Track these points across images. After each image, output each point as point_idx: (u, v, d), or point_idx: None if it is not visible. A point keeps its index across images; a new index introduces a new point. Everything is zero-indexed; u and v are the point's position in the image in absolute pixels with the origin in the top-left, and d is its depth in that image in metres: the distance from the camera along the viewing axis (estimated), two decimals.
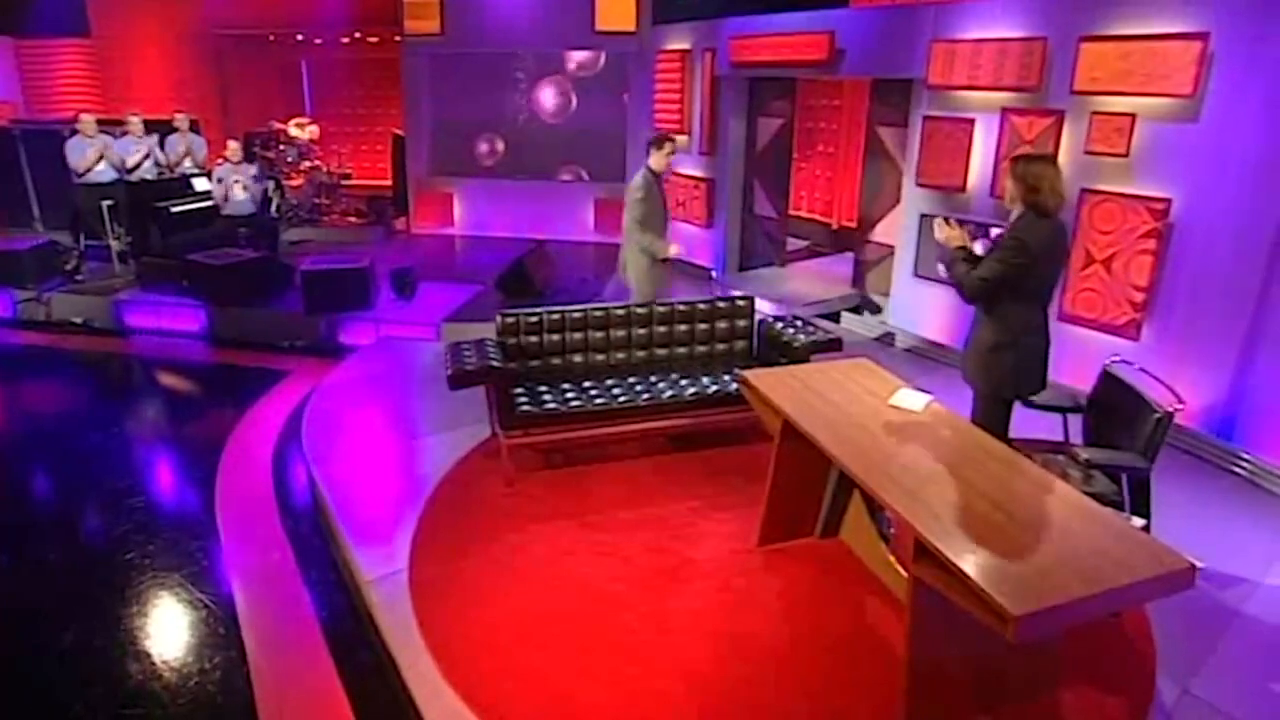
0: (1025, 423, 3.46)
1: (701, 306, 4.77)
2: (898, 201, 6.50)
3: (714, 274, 8.37)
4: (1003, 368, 3.26)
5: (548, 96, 9.70)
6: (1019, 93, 5.13)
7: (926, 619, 2.52)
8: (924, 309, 6.24)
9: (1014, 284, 3.14)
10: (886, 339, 6.43)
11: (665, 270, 5.12)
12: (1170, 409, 2.86)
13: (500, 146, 9.92)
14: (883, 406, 3.30)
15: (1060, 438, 3.51)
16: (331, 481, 4.16)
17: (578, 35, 9.00)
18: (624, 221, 5.09)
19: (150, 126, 8.39)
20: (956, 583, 2.26)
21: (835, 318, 6.89)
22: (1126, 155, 4.61)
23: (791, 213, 8.19)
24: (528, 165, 9.96)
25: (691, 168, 8.45)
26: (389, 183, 10.91)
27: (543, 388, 4.31)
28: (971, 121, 5.47)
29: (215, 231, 7.73)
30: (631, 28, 8.79)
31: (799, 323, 4.70)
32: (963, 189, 5.65)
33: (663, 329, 4.72)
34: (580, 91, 9.48)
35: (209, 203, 8.01)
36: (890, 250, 6.69)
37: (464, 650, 2.97)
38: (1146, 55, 4.38)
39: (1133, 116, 4.54)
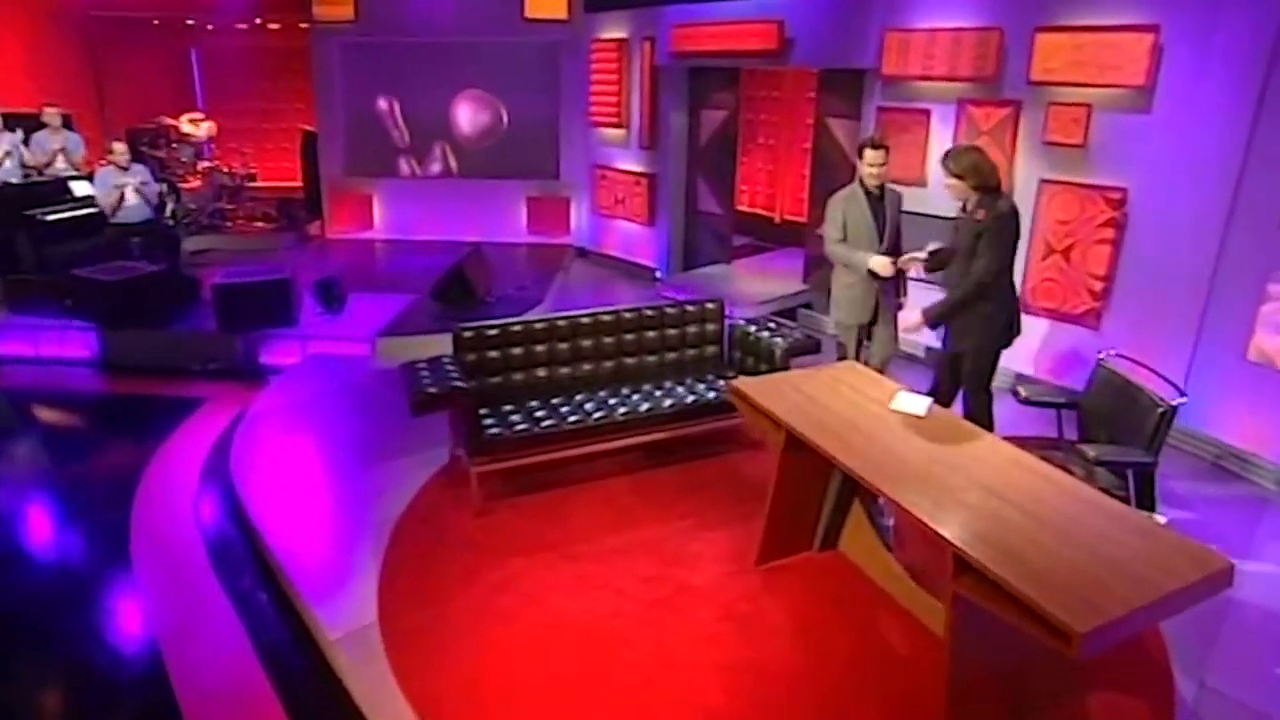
0: (1010, 418, 3.51)
1: (670, 311, 4.66)
2: None
3: (658, 275, 8.28)
4: (996, 327, 3.76)
5: (464, 116, 9.33)
6: (975, 83, 5.25)
7: (966, 635, 2.48)
8: None
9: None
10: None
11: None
12: (1174, 402, 2.93)
13: (434, 148, 9.48)
14: (884, 412, 3.27)
15: (1047, 433, 3.59)
16: (273, 525, 3.80)
17: (505, 24, 8.70)
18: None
19: (10, 121, 7.54)
20: (1004, 599, 2.22)
21: (791, 315, 6.91)
22: (1083, 145, 4.78)
23: (738, 208, 8.18)
24: (454, 163, 9.57)
25: (631, 163, 8.32)
26: (299, 184, 10.26)
27: (508, 407, 4.08)
28: (927, 113, 5.56)
29: (103, 242, 7.02)
30: (564, 15, 8.57)
31: (773, 324, 4.64)
32: (921, 181, 5.74)
33: (631, 337, 4.57)
34: (506, 89, 9.16)
35: (93, 209, 7.26)
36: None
37: (454, 708, 2.73)
38: (1100, 46, 4.54)
39: (1088, 107, 4.70)
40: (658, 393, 4.32)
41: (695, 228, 8.33)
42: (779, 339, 4.44)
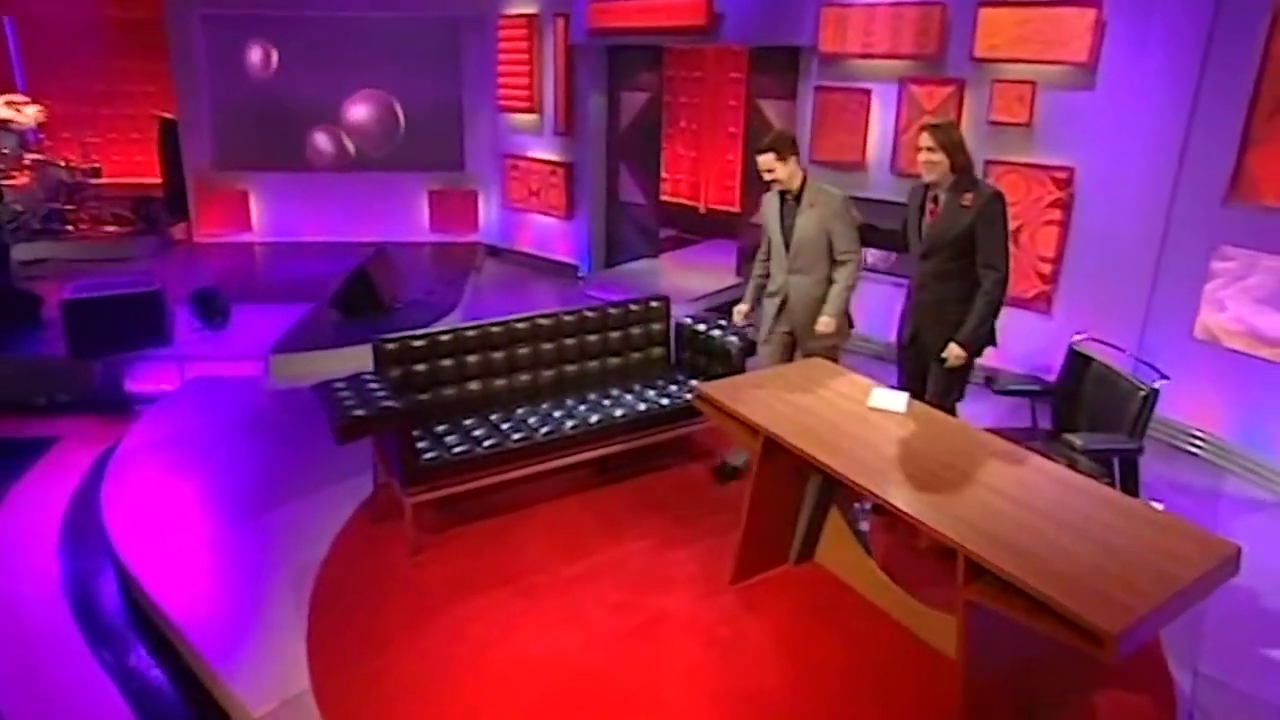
0: (973, 410, 3.61)
1: (612, 312, 4.57)
2: None
3: (581, 273, 8.17)
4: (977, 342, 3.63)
5: (354, 115, 8.93)
6: (917, 61, 5.42)
7: (978, 641, 2.51)
8: None
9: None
10: None
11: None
12: (1154, 385, 3.08)
13: (319, 137, 8.97)
14: (862, 410, 3.30)
15: (1016, 424, 3.72)
16: (165, 585, 3.45)
17: None
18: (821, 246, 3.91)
19: None
20: (1020, 602, 2.26)
21: (726, 312, 6.95)
22: (1029, 124, 5.02)
23: (664, 198, 8.17)
24: (344, 155, 9.11)
25: (545, 151, 8.18)
26: (158, 180, 9.50)
27: (441, 427, 3.88)
28: (868, 92, 5.71)
29: None
30: None
31: (723, 322, 4.63)
32: (861, 164, 5.88)
33: (571, 342, 4.46)
34: (401, 75, 8.79)
35: None
36: None
37: None
38: (1044, 22, 4.78)
39: (1033, 84, 4.94)
40: (606, 402, 4.22)
41: (618, 220, 8.27)
42: (733, 337, 4.42)
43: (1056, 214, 5.04)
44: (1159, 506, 2.66)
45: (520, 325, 4.31)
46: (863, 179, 5.96)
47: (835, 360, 3.91)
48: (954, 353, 3.53)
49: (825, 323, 3.85)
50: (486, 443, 3.74)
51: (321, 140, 8.99)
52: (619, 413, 4.10)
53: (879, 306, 6.15)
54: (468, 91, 8.73)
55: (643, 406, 4.17)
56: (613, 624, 3.22)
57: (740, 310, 4.21)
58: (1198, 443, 4.65)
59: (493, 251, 8.95)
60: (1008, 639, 2.66)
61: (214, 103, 8.74)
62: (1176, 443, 4.72)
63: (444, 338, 4.11)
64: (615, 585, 3.44)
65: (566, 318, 4.44)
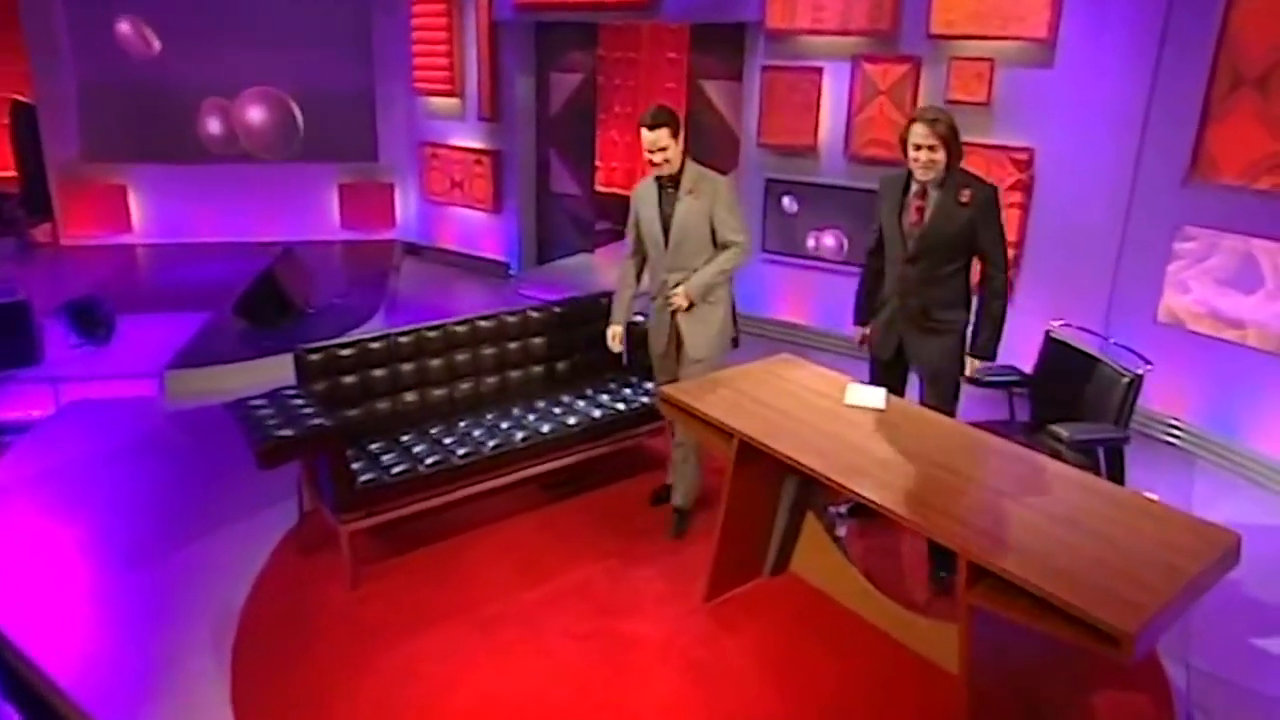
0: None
1: (558, 311, 4.48)
2: (733, 166, 6.67)
3: (512, 271, 8.03)
4: (965, 339, 3.53)
5: (248, 116, 8.56)
6: (871, 37, 5.50)
7: (981, 646, 2.54)
8: (774, 289, 6.50)
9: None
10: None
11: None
12: (1138, 371, 3.18)
13: (210, 123, 8.51)
14: (840, 408, 3.30)
15: (993, 417, 3.79)
16: (53, 646, 3.17)
17: None
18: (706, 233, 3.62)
19: None
20: (1025, 604, 2.28)
21: None
22: (988, 103, 5.15)
23: (600, 188, 8.10)
24: (239, 143, 8.69)
25: (469, 138, 8.01)
26: (13, 174, 8.87)
27: (376, 445, 3.72)
28: (819, 70, 5.77)
29: None
30: None
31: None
32: (813, 148, 5.94)
33: (515, 345, 4.36)
34: (307, 54, 8.45)
35: None
36: None
37: None
38: None
39: (991, 62, 5.07)
40: (557, 410, 4.12)
41: (550, 213, 8.18)
42: None
43: (1017, 196, 5.19)
44: (1153, 497, 2.73)
45: (459, 329, 4.18)
46: (815, 164, 6.02)
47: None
48: (975, 367, 3.47)
49: (681, 293, 3.54)
50: (429, 460, 3.60)
51: (213, 126, 8.54)
52: (572, 420, 4.01)
53: (836, 299, 6.22)
54: (380, 73, 8.47)
55: (597, 413, 4.09)
56: (581, 653, 3.14)
57: (614, 334, 3.85)
58: (1165, 430, 4.85)
59: (412, 250, 8.71)
60: (1010, 644, 2.69)
61: (80, 85, 8.21)
62: (1146, 430, 4.91)
63: (375, 345, 3.95)
64: (580, 610, 3.36)
65: (509, 319, 4.34)
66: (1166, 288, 4.77)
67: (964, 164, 3.42)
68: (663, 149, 3.49)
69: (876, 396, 3.36)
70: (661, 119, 3.47)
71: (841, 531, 3.69)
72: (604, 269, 7.76)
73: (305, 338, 5.66)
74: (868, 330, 3.78)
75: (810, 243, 6.15)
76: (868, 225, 5.73)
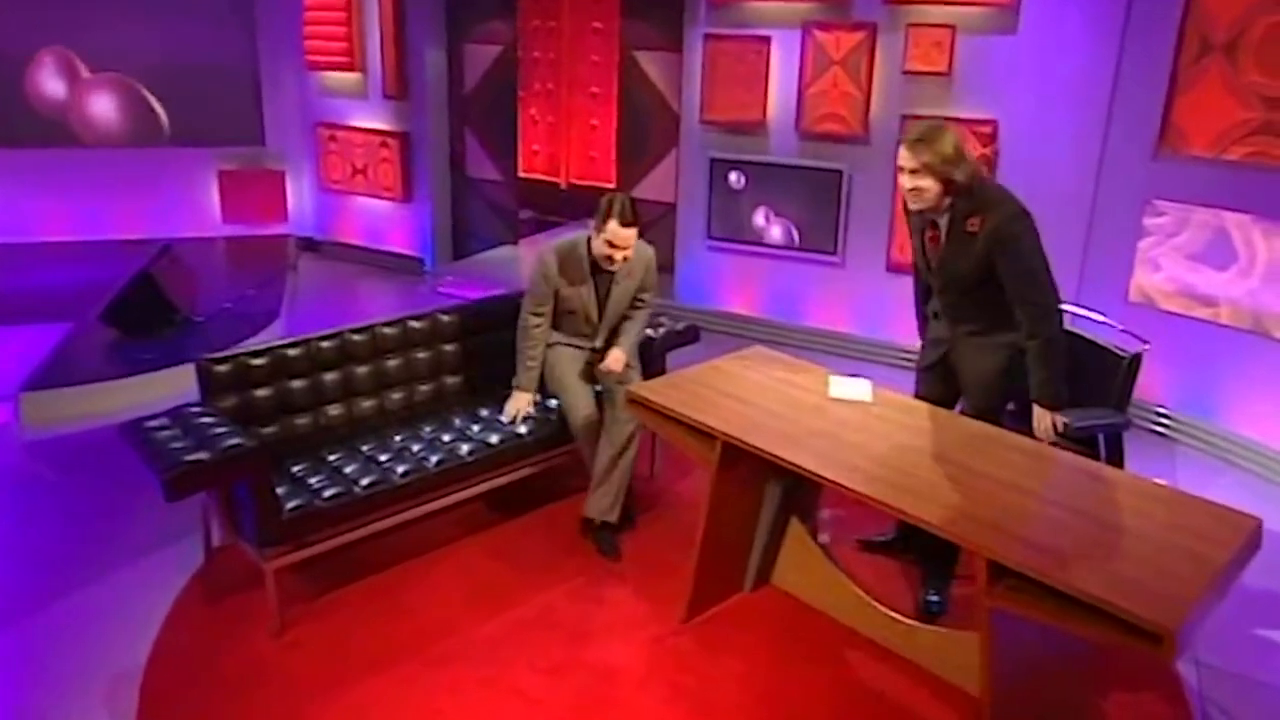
0: None
1: (499, 308, 4.37)
2: (673, 146, 6.68)
3: (427, 267, 7.84)
4: (1017, 360, 3.21)
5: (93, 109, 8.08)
6: (823, 3, 5.57)
7: (1002, 651, 2.58)
8: (723, 278, 6.53)
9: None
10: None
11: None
12: (1136, 350, 3.29)
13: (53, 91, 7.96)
14: (825, 403, 3.32)
15: None
16: None
17: None
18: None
19: None
20: (1049, 605, 2.32)
21: None
22: (948, 73, 5.29)
23: (523, 174, 7.99)
24: (97, 124, 8.19)
25: (372, 118, 7.80)
26: None
27: (298, 466, 3.54)
28: (767, 40, 5.81)
29: None
30: None
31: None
32: (761, 124, 5.99)
33: (451, 348, 4.26)
34: (176, 19, 8.03)
35: None
36: (668, 209, 6.87)
37: None
38: None
39: (952, 29, 5.21)
40: (503, 418, 4.01)
41: (468, 201, 8.03)
42: (650, 331, 4.34)
43: (982, 172, 5.33)
44: (1161, 483, 2.83)
45: (388, 331, 4.04)
46: (763, 141, 6.07)
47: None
48: (1045, 423, 3.14)
49: (616, 358, 3.83)
50: (364, 481, 3.45)
51: (51, 87, 7.96)
52: (523, 429, 3.92)
53: (789, 287, 6.31)
54: (266, 44, 8.14)
55: (551, 419, 4.00)
56: (552, 689, 3.06)
57: (528, 402, 3.91)
58: (1139, 415, 5.07)
59: (309, 245, 8.41)
60: (1024, 649, 2.74)
61: None
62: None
63: (292, 352, 3.77)
64: (546, 641, 3.29)
65: (443, 318, 4.23)
66: (1137, 266, 4.99)
67: (982, 188, 3.14)
68: (628, 249, 3.72)
69: (862, 389, 3.39)
70: (637, 218, 3.68)
71: (825, 539, 3.71)
72: (531, 262, 7.64)
73: (194, 349, 5.41)
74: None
75: (759, 221, 6.19)
76: (823, 207, 5.97)
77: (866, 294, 6.00)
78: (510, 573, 3.67)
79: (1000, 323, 3.19)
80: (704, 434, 3.16)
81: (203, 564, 3.66)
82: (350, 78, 7.77)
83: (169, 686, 3.06)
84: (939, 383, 3.45)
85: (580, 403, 3.83)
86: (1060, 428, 3.14)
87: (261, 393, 3.68)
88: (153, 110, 8.18)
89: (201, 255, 7.56)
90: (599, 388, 3.89)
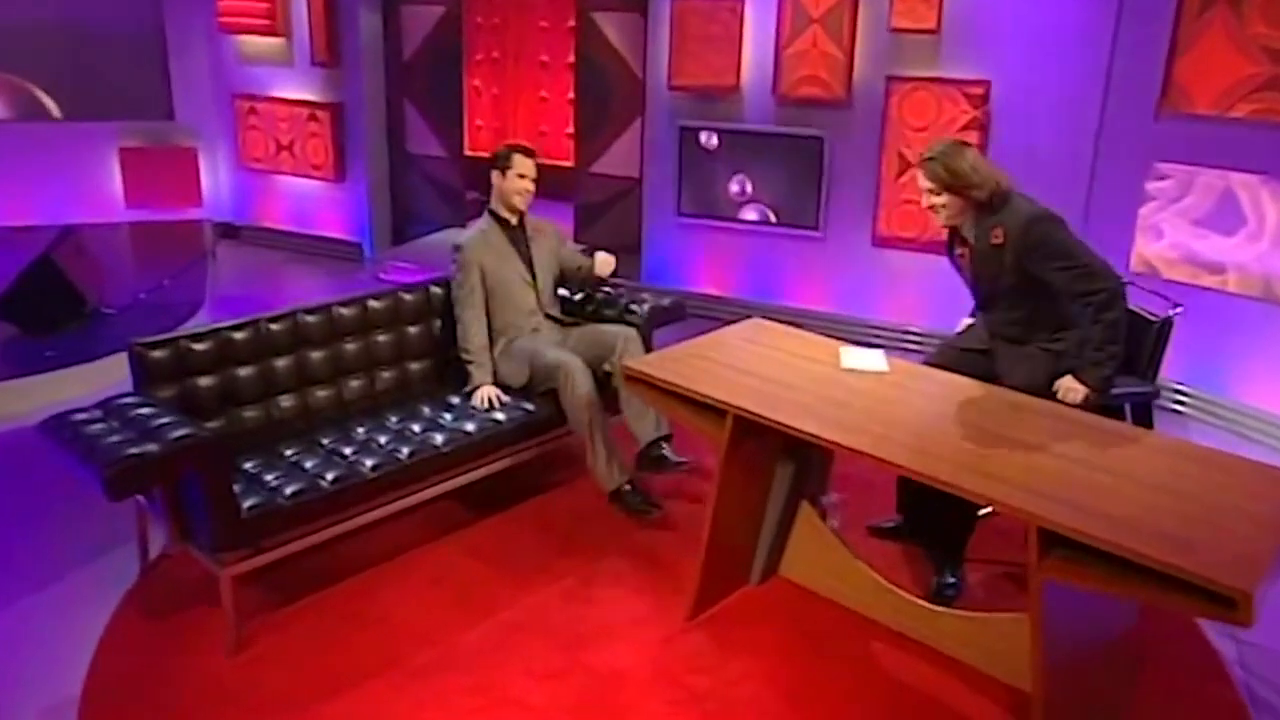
0: None
1: None
2: (638, 115, 6.63)
3: (366, 252, 7.68)
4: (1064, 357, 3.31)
5: None
6: None
7: (1054, 634, 2.57)
8: (694, 257, 6.51)
9: None
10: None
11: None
12: (1168, 313, 3.35)
13: None
14: (838, 374, 3.33)
15: None
16: None
17: None
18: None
19: None
20: (1110, 574, 2.33)
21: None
22: (936, 31, 5.34)
23: (469, 152, 7.88)
24: None
25: (299, 88, 7.61)
26: None
27: (252, 463, 3.41)
28: None
29: None
30: None
31: (608, 289, 4.48)
32: (735, 89, 5.98)
33: (415, 330, 4.19)
34: None
35: None
36: (633, 184, 6.82)
37: None
38: None
39: None
40: (477, 404, 3.94)
41: (408, 179, 7.90)
42: (634, 305, 4.32)
43: (972, 137, 5.39)
44: (1201, 444, 2.88)
45: (345, 311, 3.96)
46: (738, 107, 6.07)
47: None
48: (1077, 396, 3.16)
49: (605, 259, 4.23)
50: (329, 476, 3.32)
51: None
52: (500, 416, 3.84)
53: (766, 266, 6.32)
54: (172, 4, 7.87)
55: (530, 405, 3.93)
56: (553, 697, 2.98)
57: (494, 393, 3.93)
58: None
59: (228, 231, 8.15)
60: (1080, 630, 2.76)
61: None
62: None
63: (239, 335, 3.65)
64: (541, 645, 3.22)
65: (406, 297, 4.17)
66: (1139, 234, 5.10)
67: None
68: (534, 176, 4.11)
69: (876, 359, 3.39)
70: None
71: (835, 523, 3.70)
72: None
73: (108, 343, 5.21)
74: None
75: (733, 193, 6.19)
76: (802, 178, 5.98)
77: (850, 271, 6.03)
78: (494, 574, 3.59)
79: (1055, 324, 3.29)
80: (711, 410, 3.13)
81: (140, 576, 3.51)
82: (272, 43, 7.56)
83: (112, 716, 2.90)
84: (973, 368, 3.45)
85: (575, 366, 3.85)
86: (1084, 401, 3.18)
87: (205, 381, 3.55)
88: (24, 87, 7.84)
89: (103, 243, 7.29)
90: (606, 368, 3.95)
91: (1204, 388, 5.01)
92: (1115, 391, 3.25)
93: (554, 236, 4.33)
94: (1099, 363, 3.14)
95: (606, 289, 4.42)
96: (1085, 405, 3.14)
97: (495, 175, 4.10)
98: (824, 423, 2.92)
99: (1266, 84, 4.54)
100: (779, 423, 2.93)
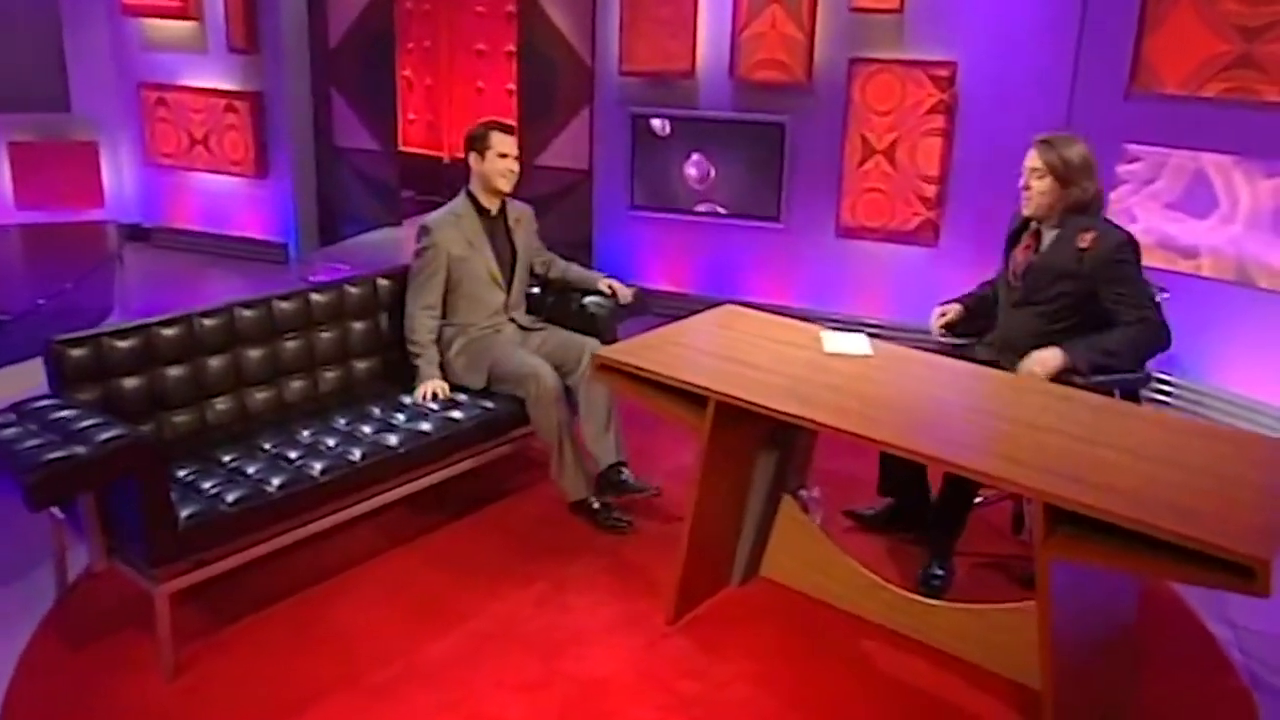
0: None
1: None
2: (586, 103, 6.64)
3: (292, 254, 7.54)
4: None
5: None
6: None
7: (1063, 622, 2.61)
8: (648, 252, 6.53)
9: None
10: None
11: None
12: (1156, 299, 3.45)
13: None
14: (822, 358, 3.37)
15: None
16: None
17: None
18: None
19: None
20: (1118, 549, 2.39)
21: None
22: (900, 10, 5.45)
23: (404, 148, 7.80)
24: None
25: (214, 77, 7.47)
26: None
27: (186, 471, 3.30)
28: None
29: None
30: None
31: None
32: (690, 73, 6.03)
33: (360, 326, 4.13)
34: None
35: None
36: (582, 176, 6.82)
37: None
38: None
39: None
40: (434, 404, 3.89)
41: (338, 176, 7.80)
42: (594, 297, 4.31)
43: (939, 121, 5.53)
44: (1199, 419, 2.97)
45: (285, 305, 3.89)
46: (693, 91, 6.11)
47: None
48: (1049, 366, 3.25)
49: (613, 284, 4.31)
50: (275, 481, 3.23)
51: None
52: (458, 414, 3.79)
53: (724, 259, 6.35)
54: None
55: (489, 403, 3.89)
56: (533, 709, 2.95)
57: (440, 388, 3.90)
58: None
59: (136, 234, 7.92)
60: (1087, 619, 2.81)
61: None
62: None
63: (167, 332, 3.54)
64: (515, 655, 3.18)
65: (351, 290, 4.10)
66: (1112, 218, 5.24)
67: (1101, 212, 3.46)
68: (518, 154, 4.08)
69: (860, 342, 3.43)
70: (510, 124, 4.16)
71: (817, 518, 3.72)
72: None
73: (5, 352, 5.01)
74: (946, 312, 3.73)
75: (690, 181, 6.22)
76: (763, 166, 6.03)
77: (814, 263, 6.10)
78: (456, 583, 3.54)
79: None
80: (690, 399, 3.12)
81: (58, 599, 3.39)
82: (183, 26, 7.41)
83: None
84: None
85: (545, 372, 3.80)
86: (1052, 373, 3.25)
87: (130, 383, 3.43)
88: None
89: None
90: (568, 382, 3.92)
91: (1184, 376, 5.16)
92: (1104, 379, 3.32)
93: (531, 225, 4.28)
94: (1096, 350, 3.25)
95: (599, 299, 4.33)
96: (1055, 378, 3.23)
97: (473, 158, 4.00)
98: (815, 406, 2.93)
99: (1237, 61, 4.71)
100: (767, 407, 2.93)
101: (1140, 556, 2.36)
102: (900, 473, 3.67)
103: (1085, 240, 3.32)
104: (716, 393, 3.04)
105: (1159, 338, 3.35)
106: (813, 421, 2.86)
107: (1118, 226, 3.45)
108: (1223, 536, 2.23)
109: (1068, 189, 3.34)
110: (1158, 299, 3.45)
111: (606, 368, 3.31)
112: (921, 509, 3.71)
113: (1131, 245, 3.34)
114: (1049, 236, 3.45)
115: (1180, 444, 2.75)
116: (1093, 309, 3.36)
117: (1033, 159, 3.38)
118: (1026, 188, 3.41)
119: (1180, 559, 2.28)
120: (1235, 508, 2.39)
